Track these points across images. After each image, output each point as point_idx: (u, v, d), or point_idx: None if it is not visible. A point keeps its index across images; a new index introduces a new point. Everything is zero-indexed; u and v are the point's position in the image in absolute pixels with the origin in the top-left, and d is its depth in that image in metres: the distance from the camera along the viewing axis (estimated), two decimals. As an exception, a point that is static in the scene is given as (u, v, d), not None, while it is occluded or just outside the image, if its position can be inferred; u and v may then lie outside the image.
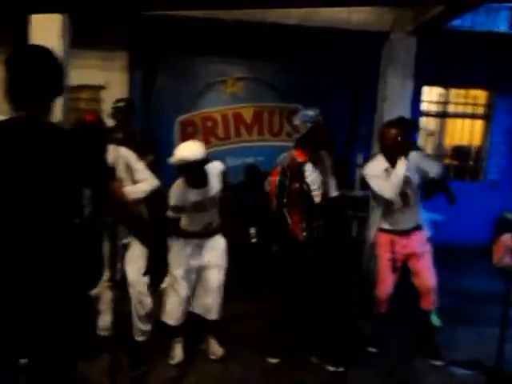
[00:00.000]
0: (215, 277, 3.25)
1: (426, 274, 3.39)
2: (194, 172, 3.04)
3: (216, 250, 3.28)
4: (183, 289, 3.19)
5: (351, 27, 4.65)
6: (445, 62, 5.94)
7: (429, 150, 6.72)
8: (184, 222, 3.24)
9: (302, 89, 6.06)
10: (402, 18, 4.65)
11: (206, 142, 6.21)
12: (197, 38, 5.60)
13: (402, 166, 3.19)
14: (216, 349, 3.34)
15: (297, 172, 3.15)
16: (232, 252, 3.41)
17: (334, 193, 3.36)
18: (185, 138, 6.09)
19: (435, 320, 3.84)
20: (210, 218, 3.25)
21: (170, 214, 3.16)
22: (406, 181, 3.26)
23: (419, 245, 3.43)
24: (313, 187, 3.18)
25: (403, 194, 3.30)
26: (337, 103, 5.97)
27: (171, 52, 5.83)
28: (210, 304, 3.24)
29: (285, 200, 3.13)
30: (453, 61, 5.92)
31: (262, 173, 5.35)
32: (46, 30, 4.26)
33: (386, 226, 3.43)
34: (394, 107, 4.74)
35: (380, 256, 3.45)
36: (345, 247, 4.40)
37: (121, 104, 4.52)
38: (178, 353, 3.28)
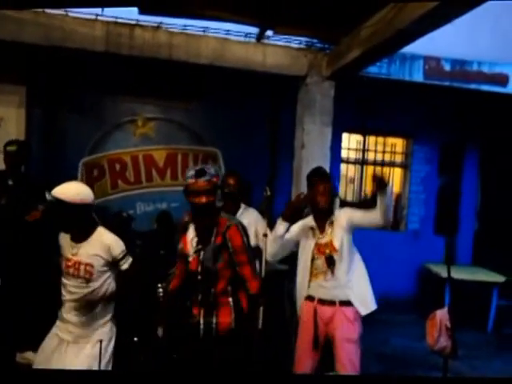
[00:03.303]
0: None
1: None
2: (69, 216, 2.56)
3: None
4: None
5: (266, 70, 4.65)
6: (363, 109, 6.12)
7: (349, 197, 6.82)
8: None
9: (218, 131, 5.96)
10: (317, 62, 4.73)
11: (114, 187, 5.86)
12: (103, 75, 5.35)
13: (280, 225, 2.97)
14: None
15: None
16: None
17: None
18: (90, 181, 5.70)
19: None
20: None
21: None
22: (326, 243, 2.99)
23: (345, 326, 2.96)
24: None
25: (328, 258, 2.98)
26: (253, 146, 5.93)
27: (75, 88, 5.50)
28: None
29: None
30: (371, 108, 6.12)
31: (175, 220, 5.08)
32: None
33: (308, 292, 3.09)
34: (312, 154, 4.73)
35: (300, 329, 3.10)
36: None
37: (12, 148, 4.09)
38: None
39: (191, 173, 2.53)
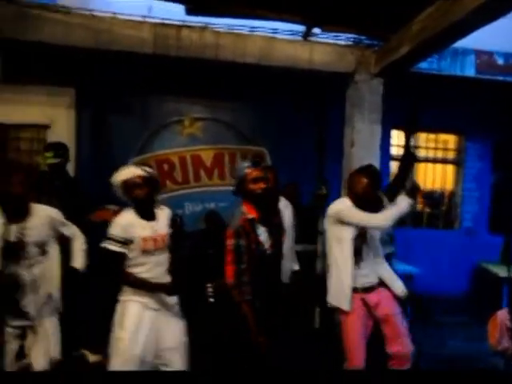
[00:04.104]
0: None
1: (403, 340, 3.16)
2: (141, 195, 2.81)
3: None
4: None
5: (313, 67, 4.61)
6: (410, 106, 5.99)
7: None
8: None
9: (265, 131, 5.98)
10: (365, 59, 4.65)
11: (163, 187, 5.98)
12: (151, 76, 5.46)
13: (405, 200, 3.08)
14: None
15: (251, 232, 2.84)
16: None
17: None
18: (138, 181, 5.86)
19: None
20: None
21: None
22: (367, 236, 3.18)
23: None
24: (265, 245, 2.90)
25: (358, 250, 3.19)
26: (301, 145, 5.91)
27: (123, 89, 5.63)
28: None
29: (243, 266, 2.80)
30: (422, 104, 5.98)
31: (223, 220, 5.14)
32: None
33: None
34: (362, 152, 4.67)
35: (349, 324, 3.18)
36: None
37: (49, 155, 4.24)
38: None
39: (246, 164, 2.87)
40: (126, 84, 5.58)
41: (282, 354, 2.92)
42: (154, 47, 4.32)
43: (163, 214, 3.00)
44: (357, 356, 3.12)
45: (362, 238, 3.21)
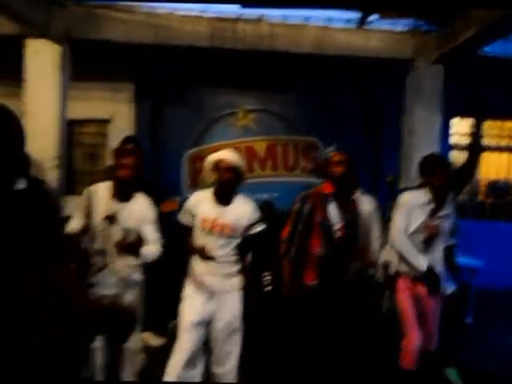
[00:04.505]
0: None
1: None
2: (227, 179, 2.92)
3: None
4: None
5: (368, 55, 4.55)
6: (476, 92, 5.77)
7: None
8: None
9: (317, 121, 5.96)
10: (424, 45, 4.53)
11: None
12: (205, 69, 5.58)
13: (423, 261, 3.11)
14: None
15: (320, 203, 3.08)
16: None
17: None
18: (193, 173, 6.01)
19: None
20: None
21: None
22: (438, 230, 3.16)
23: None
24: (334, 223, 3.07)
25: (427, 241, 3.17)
26: (354, 137, 5.84)
27: (180, 83, 5.79)
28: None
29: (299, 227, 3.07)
30: (484, 90, 5.75)
31: (277, 210, 5.17)
32: (43, 60, 4.28)
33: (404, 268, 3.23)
34: (421, 141, 4.57)
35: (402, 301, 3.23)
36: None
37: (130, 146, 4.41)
38: None
39: (330, 148, 3.17)
40: (183, 78, 5.73)
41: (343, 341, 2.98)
42: (211, 41, 4.41)
43: (242, 206, 3.03)
44: (413, 331, 3.11)
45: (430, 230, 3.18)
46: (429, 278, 3.10)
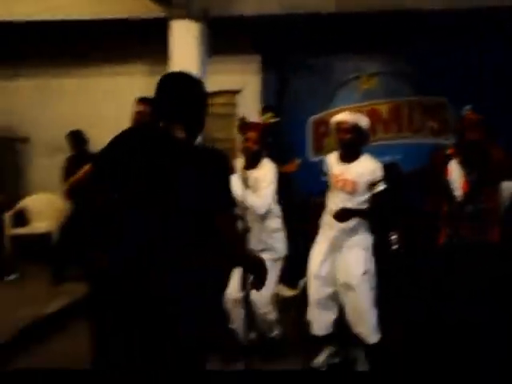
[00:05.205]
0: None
1: None
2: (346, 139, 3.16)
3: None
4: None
5: (505, 3, 4.33)
6: None
7: None
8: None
9: (445, 79, 5.79)
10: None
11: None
12: (328, 35, 5.69)
13: None
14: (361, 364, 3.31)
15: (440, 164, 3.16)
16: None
17: None
18: (318, 138, 6.26)
19: None
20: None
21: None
22: None
23: None
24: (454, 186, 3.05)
25: None
26: (486, 94, 5.59)
27: (304, 51, 6.01)
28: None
29: None
30: None
31: (403, 172, 5.24)
32: (185, 39, 4.77)
33: None
34: None
35: None
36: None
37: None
38: (321, 359, 3.39)
39: (466, 108, 3.04)
40: (307, 46, 5.93)
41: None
42: (337, 6, 4.55)
43: (365, 164, 3.21)
44: None
45: None
46: None
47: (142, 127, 1.85)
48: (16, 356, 3.57)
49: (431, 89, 5.93)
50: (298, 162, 5.07)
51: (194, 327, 1.73)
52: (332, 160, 3.34)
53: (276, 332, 3.49)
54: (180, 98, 1.85)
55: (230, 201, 1.83)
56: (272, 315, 3.40)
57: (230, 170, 2.32)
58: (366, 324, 3.14)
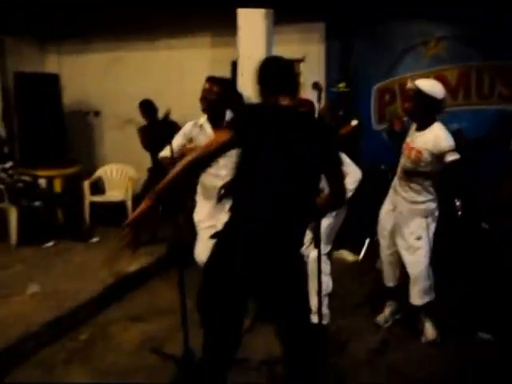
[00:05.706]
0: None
1: None
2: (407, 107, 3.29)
3: None
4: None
5: None
6: None
7: None
8: None
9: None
10: None
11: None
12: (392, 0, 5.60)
13: None
14: (428, 332, 3.42)
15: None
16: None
17: None
18: (382, 106, 6.25)
19: None
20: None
21: None
22: None
23: None
24: None
25: None
26: None
27: (368, 18, 5.96)
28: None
29: None
30: None
31: (469, 140, 5.21)
32: (252, 12, 4.92)
33: None
34: None
35: None
36: None
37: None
38: (384, 315, 3.68)
39: None
40: (371, 11, 5.87)
41: None
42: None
43: (433, 133, 3.20)
44: None
45: None
46: None
47: (261, 102, 2.26)
48: (99, 312, 3.98)
49: (502, 52, 5.70)
50: (354, 123, 5.26)
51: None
52: (413, 128, 3.42)
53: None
54: (284, 74, 2.25)
55: (339, 158, 2.23)
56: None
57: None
58: (417, 287, 3.34)
